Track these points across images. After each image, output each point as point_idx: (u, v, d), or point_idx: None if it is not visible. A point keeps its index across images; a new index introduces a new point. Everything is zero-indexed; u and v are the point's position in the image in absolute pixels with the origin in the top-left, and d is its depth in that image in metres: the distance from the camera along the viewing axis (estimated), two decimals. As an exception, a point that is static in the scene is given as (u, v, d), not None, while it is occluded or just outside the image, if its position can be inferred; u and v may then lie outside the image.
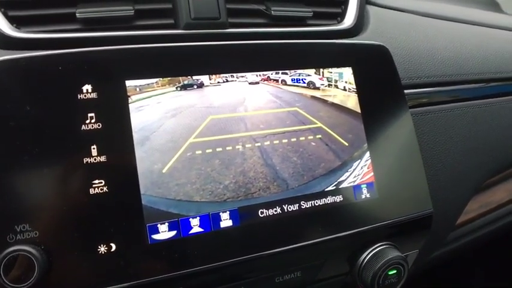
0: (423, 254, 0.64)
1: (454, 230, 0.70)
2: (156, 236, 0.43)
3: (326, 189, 0.50)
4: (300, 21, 0.61)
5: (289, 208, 0.48)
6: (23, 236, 0.39)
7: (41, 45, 0.48)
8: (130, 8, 0.51)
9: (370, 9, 0.71)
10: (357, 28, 0.64)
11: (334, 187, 0.50)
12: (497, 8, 1.11)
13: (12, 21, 0.49)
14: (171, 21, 0.53)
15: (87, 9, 0.50)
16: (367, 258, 0.51)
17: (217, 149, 0.46)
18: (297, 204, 0.48)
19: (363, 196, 0.52)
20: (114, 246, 0.41)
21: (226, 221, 0.45)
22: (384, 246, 0.52)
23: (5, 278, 0.37)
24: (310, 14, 0.60)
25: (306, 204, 0.49)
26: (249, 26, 0.57)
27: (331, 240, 0.49)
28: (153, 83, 0.45)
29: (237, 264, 0.45)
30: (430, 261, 0.71)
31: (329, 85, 0.53)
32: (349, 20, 0.63)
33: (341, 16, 0.64)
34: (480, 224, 0.73)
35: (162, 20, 0.53)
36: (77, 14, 0.49)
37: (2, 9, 0.49)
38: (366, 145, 0.53)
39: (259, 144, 0.48)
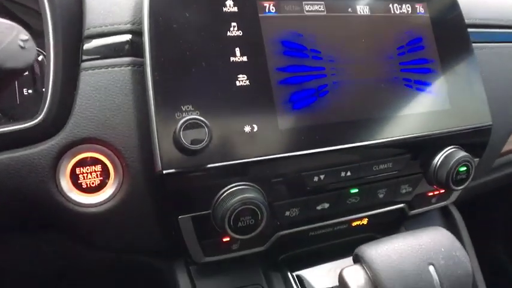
0: (476, 176, 0.74)
1: (499, 157, 0.81)
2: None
3: (413, 98, 0.61)
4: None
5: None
6: (187, 115, 0.49)
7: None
8: None
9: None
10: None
11: (420, 97, 0.61)
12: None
13: None
14: None
15: None
16: (442, 158, 0.62)
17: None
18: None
19: (440, 107, 0.62)
20: (256, 127, 0.51)
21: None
22: (455, 149, 0.62)
23: (185, 140, 0.47)
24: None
25: (399, 108, 0.59)
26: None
27: (416, 137, 0.59)
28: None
29: (346, 149, 0.55)
30: (480, 186, 0.81)
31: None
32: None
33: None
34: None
35: None
36: None
37: None
38: (440, 67, 0.63)
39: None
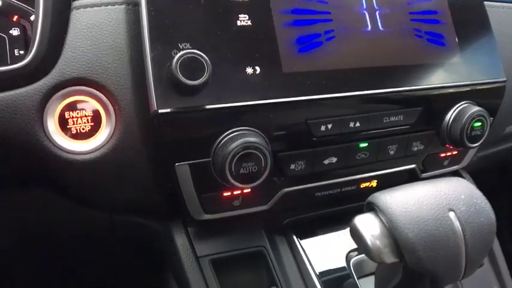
0: (487, 143, 0.70)
1: (511, 124, 0.77)
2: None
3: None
4: None
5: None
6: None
7: None
8: None
9: None
10: None
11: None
12: None
13: None
14: None
15: None
16: (455, 113, 0.59)
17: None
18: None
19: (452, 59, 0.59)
20: (258, 69, 0.48)
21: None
22: (468, 104, 0.59)
23: (183, 76, 0.43)
24: None
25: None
26: None
27: (426, 89, 0.56)
28: None
29: (353, 97, 0.52)
30: (492, 155, 0.78)
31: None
32: None
33: None
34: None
35: None
36: None
37: None
38: (451, 19, 0.60)
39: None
